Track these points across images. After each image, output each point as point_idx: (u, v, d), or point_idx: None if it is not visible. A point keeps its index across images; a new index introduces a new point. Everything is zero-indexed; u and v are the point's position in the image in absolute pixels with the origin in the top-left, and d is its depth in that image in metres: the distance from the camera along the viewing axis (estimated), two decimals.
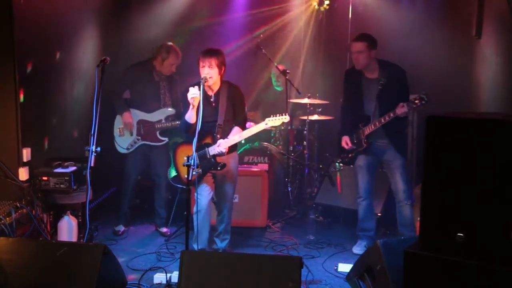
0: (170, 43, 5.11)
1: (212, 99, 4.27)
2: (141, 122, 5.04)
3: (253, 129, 4.22)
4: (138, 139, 5.04)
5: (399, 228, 4.69)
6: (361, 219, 4.82)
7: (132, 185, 5.22)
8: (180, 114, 5.12)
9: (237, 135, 4.24)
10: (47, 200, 4.36)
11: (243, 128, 4.37)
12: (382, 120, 4.42)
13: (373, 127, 4.51)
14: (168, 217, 5.30)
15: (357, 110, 4.65)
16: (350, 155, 4.76)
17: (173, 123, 5.03)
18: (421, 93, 4.20)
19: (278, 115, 4.16)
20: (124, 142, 5.05)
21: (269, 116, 4.18)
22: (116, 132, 5.05)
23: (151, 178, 5.36)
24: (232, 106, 4.31)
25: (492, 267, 2.53)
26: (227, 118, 4.29)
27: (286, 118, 4.17)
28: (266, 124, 4.17)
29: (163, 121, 5.05)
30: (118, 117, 5.05)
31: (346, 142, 4.72)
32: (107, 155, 5.01)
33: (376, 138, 4.60)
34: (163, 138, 5.07)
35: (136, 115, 5.04)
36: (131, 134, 5.04)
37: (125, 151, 5.06)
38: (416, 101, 4.20)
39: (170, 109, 5.09)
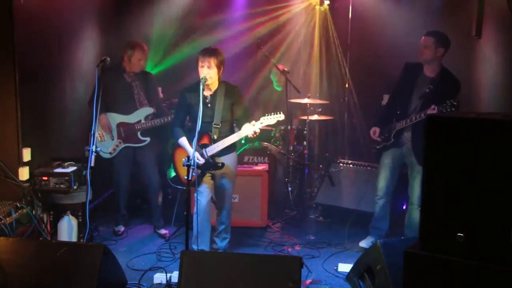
0: (133, 39, 5.07)
1: (208, 100, 4.26)
2: (120, 125, 4.97)
3: (248, 129, 4.18)
4: (120, 143, 4.98)
5: (404, 229, 4.68)
6: (376, 218, 4.82)
7: (124, 189, 5.18)
8: (159, 112, 5.12)
9: (235, 134, 4.24)
10: (47, 200, 4.36)
11: None
12: (413, 119, 4.36)
13: (403, 123, 4.46)
14: (166, 218, 5.28)
15: (401, 104, 4.57)
16: (378, 147, 4.73)
17: (153, 122, 4.98)
18: (454, 99, 4.10)
19: (273, 113, 4.17)
20: (106, 147, 4.96)
21: (266, 116, 4.20)
22: (96, 138, 4.92)
23: (143, 179, 5.35)
24: (230, 106, 4.30)
25: (492, 267, 2.53)
26: (225, 119, 4.28)
27: (281, 117, 4.18)
28: (261, 123, 4.16)
29: (143, 121, 4.98)
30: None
31: (374, 131, 4.71)
32: None
33: (404, 138, 4.56)
34: (144, 138, 5.01)
35: (115, 118, 4.97)
36: (112, 139, 4.97)
37: (108, 156, 4.97)
38: (447, 107, 4.08)
39: (148, 108, 5.03)
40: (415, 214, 4.53)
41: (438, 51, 4.40)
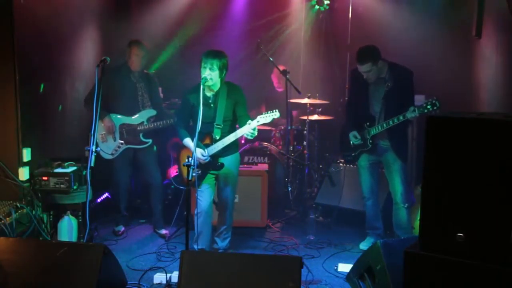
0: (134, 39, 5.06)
1: (210, 100, 4.26)
2: (123, 126, 4.95)
3: (245, 128, 4.18)
4: (121, 144, 4.96)
5: (394, 229, 4.71)
6: (368, 219, 4.86)
7: (124, 190, 5.18)
8: (162, 114, 5.10)
9: (232, 134, 4.24)
10: (47, 200, 4.36)
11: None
12: (391, 123, 4.35)
13: (380, 128, 4.45)
14: (166, 218, 5.27)
15: (362, 109, 4.61)
16: (353, 154, 4.75)
17: (155, 124, 4.97)
18: (433, 98, 4.09)
19: (269, 112, 4.16)
20: (107, 147, 4.94)
21: (262, 114, 4.18)
22: (98, 138, 4.90)
23: (144, 179, 5.34)
24: (233, 106, 4.30)
25: (492, 267, 2.53)
26: (226, 119, 4.28)
27: (276, 115, 4.16)
28: (258, 121, 4.14)
29: (145, 123, 4.97)
30: (99, 123, 4.85)
31: (355, 136, 4.64)
32: None
33: (379, 139, 4.59)
34: (146, 140, 5.00)
35: (117, 119, 4.95)
36: (114, 140, 4.96)
37: (110, 157, 4.95)
38: (428, 107, 4.08)
39: (151, 110, 5.02)
40: (402, 213, 4.57)
41: (379, 65, 4.39)
